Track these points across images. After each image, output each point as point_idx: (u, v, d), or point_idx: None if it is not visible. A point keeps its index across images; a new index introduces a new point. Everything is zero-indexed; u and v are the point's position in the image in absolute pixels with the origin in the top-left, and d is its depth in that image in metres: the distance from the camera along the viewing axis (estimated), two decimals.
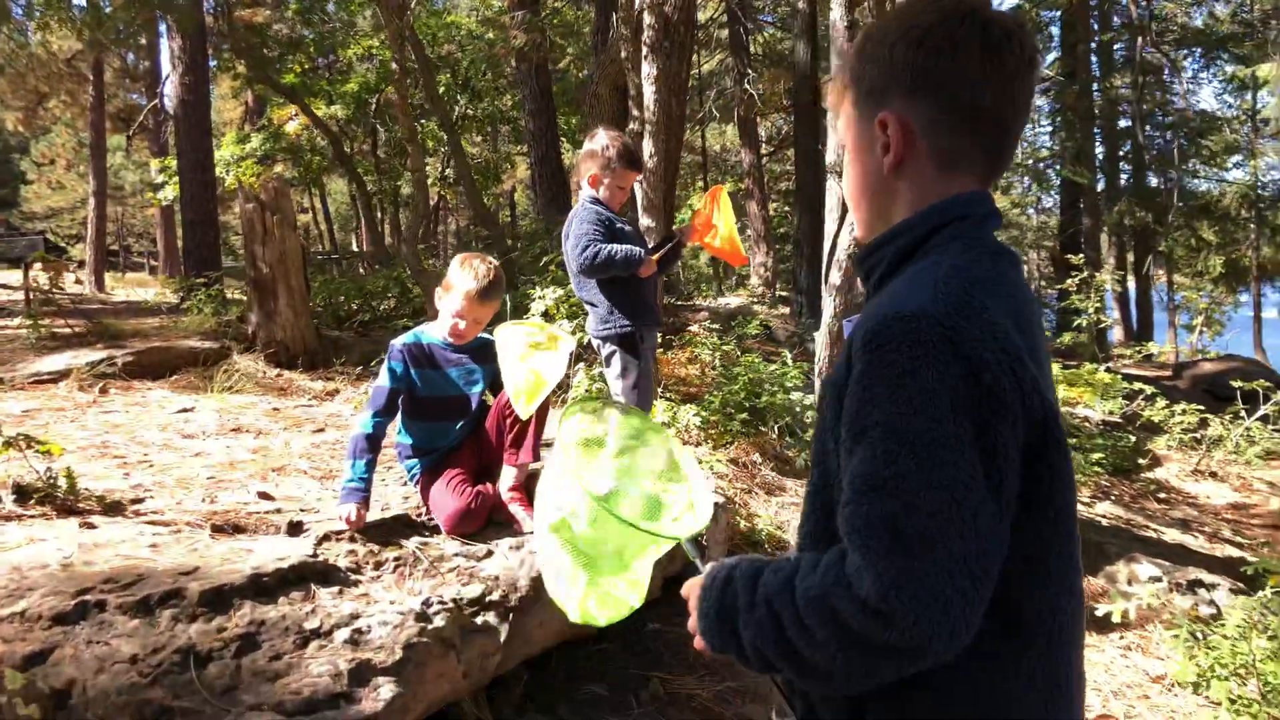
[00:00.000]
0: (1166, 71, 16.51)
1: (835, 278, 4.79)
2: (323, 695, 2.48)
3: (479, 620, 3.12)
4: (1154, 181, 17.78)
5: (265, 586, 2.75)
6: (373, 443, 3.37)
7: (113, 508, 3.32)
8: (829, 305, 4.81)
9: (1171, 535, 6.17)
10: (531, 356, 3.39)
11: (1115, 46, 17.06)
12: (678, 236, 4.14)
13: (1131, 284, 17.70)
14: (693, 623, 1.26)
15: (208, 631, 2.53)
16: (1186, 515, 6.98)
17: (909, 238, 1.22)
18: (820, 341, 4.88)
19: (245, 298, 9.10)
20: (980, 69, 1.19)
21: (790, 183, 26.42)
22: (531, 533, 3.48)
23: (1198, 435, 8.59)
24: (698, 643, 1.25)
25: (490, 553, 3.36)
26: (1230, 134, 16.02)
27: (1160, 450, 8.70)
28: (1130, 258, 19.19)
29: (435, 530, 3.45)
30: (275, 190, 7.73)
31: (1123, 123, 18.91)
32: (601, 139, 4.05)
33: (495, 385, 3.73)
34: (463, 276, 3.52)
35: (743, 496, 5.18)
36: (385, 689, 2.60)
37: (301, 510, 3.54)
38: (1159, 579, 4.66)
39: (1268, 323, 22.76)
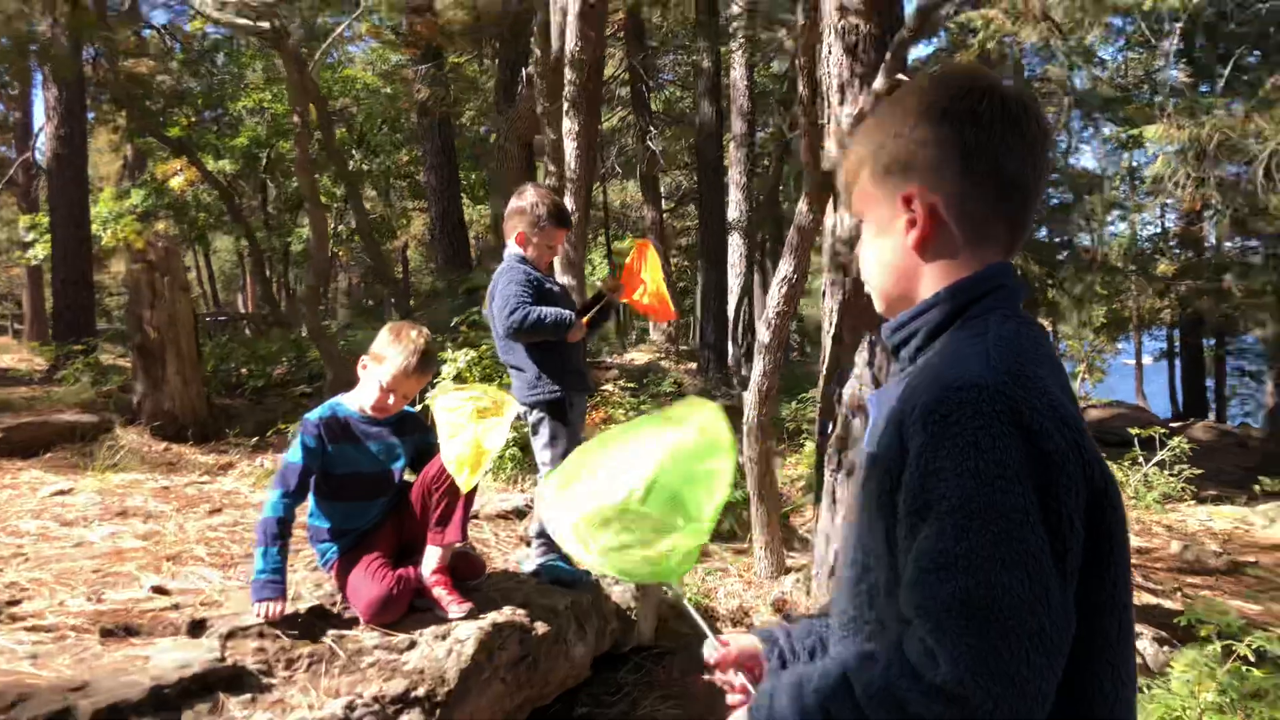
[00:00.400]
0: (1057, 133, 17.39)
1: (764, 336, 4.70)
2: None
3: (370, 714, 2.84)
4: (1043, 235, 18.66)
5: (167, 700, 2.46)
6: (284, 527, 3.09)
7: None
8: (759, 364, 4.71)
9: None
10: (474, 424, 3.16)
11: None
12: (607, 296, 3.98)
13: None
14: None
15: None
16: None
17: (943, 311, 1.20)
18: (750, 400, 4.76)
19: (129, 365, 8.54)
20: (1004, 141, 1.19)
21: (690, 238, 26.72)
22: (455, 620, 3.23)
23: None
24: None
25: (413, 644, 3.11)
26: (1111, 191, 16.86)
27: None
28: None
29: (353, 621, 3.18)
30: (165, 250, 7.32)
31: None
32: (530, 196, 3.88)
33: (418, 459, 3.49)
34: (396, 349, 3.28)
35: None
36: None
37: (202, 604, 3.23)
38: None
39: (1146, 369, 23.91)
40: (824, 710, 1.07)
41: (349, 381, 8.14)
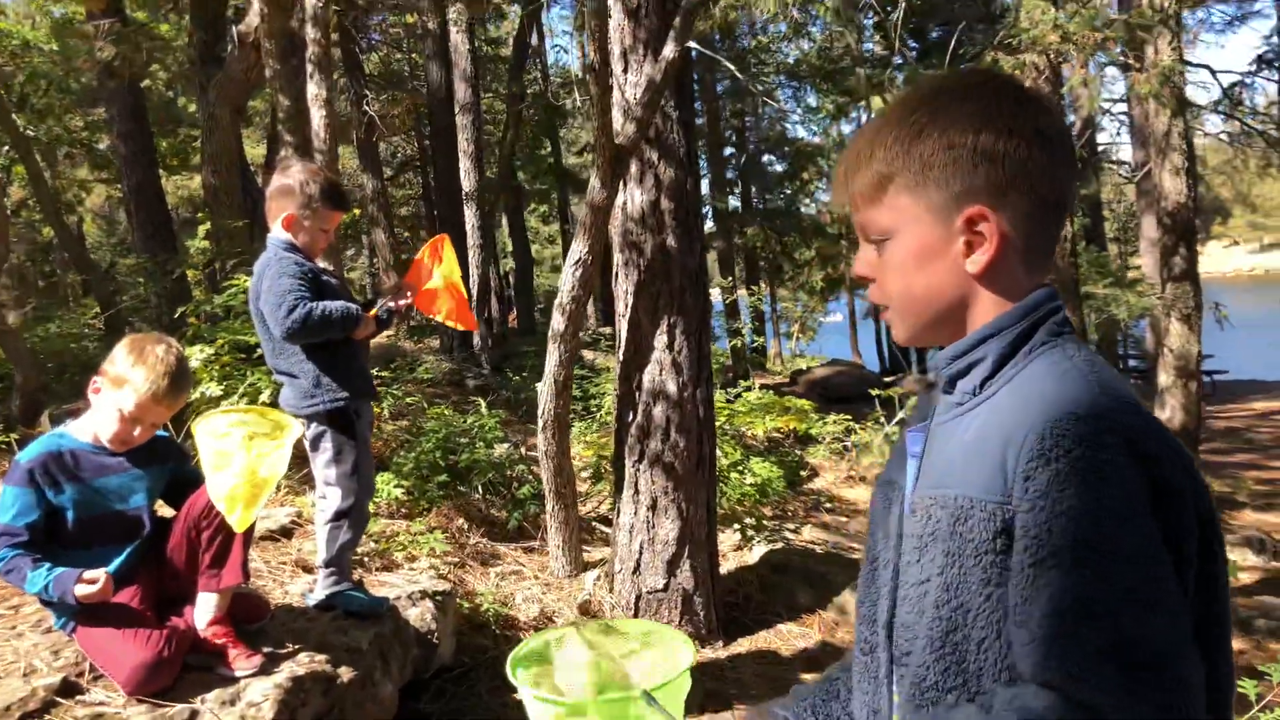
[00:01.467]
0: (766, 103, 18.16)
1: (559, 323, 4.37)
2: None
3: None
4: (749, 204, 19.63)
5: None
6: (24, 557, 2.57)
7: None
8: (554, 353, 4.38)
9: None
10: (245, 452, 2.64)
11: (719, 77, 18.34)
12: (392, 295, 3.49)
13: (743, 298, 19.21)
14: None
15: None
16: (863, 526, 7.38)
17: (1009, 337, 1.11)
18: (545, 392, 4.43)
19: None
20: (1063, 162, 1.12)
21: (411, 207, 25.66)
22: (244, 678, 2.72)
23: (846, 444, 9.22)
24: None
25: (194, 714, 2.57)
26: (824, 161, 17.89)
27: (816, 461, 9.24)
28: (742, 275, 20.87)
29: (111, 693, 2.59)
30: None
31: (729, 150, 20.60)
32: (298, 173, 3.31)
33: (175, 492, 2.93)
34: (139, 372, 2.70)
35: (456, 572, 4.59)
36: None
37: None
38: None
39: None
40: None
41: (42, 386, 7.00)
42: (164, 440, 3.01)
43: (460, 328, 3.60)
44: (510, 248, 21.02)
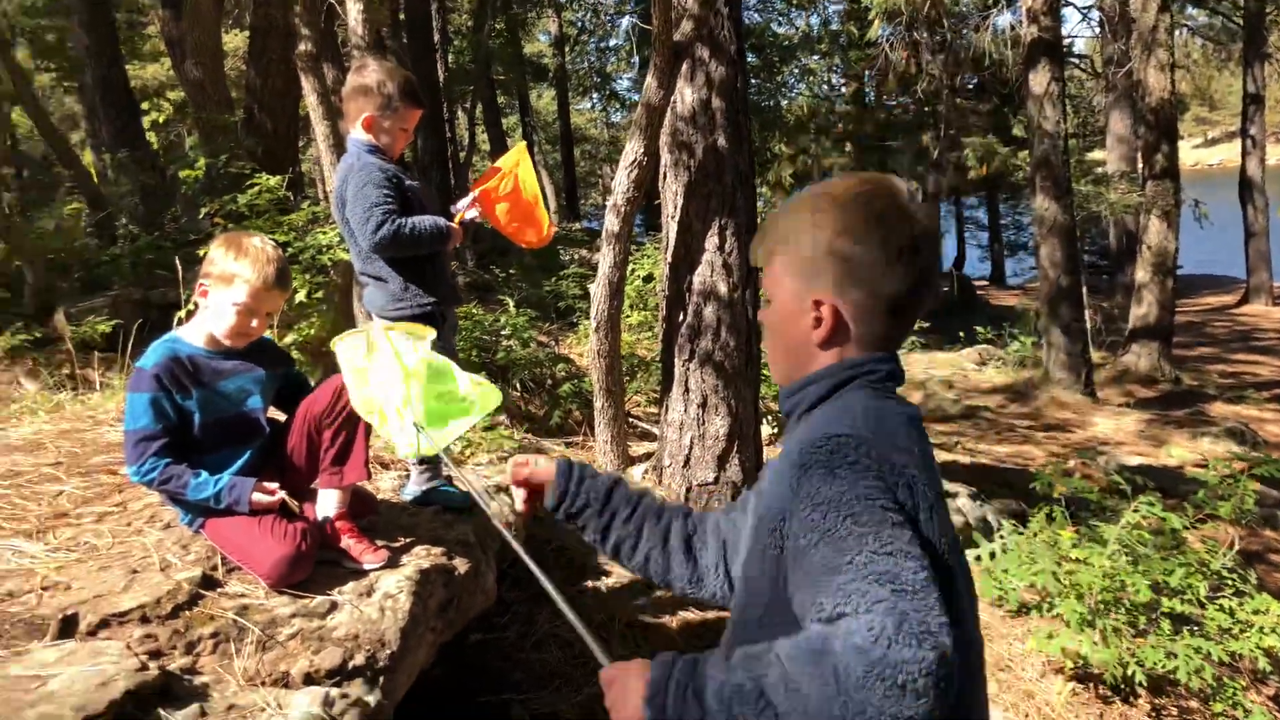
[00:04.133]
0: None
1: (613, 223, 4.41)
2: None
3: (351, 696, 2.47)
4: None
5: None
6: (176, 467, 2.67)
7: None
8: (608, 255, 4.43)
9: None
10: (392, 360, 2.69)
11: None
12: (470, 203, 3.48)
13: None
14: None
15: None
16: None
17: (825, 385, 1.43)
18: (598, 294, 4.50)
19: None
20: (907, 270, 1.38)
21: None
22: (370, 569, 2.84)
23: None
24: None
25: (334, 605, 2.69)
26: (802, 55, 17.73)
27: None
28: None
29: (250, 586, 2.69)
30: None
31: None
32: (374, 72, 3.26)
33: (287, 395, 2.99)
34: (244, 263, 2.73)
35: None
36: None
37: (43, 589, 2.58)
38: None
39: None
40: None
41: (49, 289, 6.88)
42: (271, 344, 3.06)
43: (520, 244, 3.60)
44: (485, 141, 20.61)
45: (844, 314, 1.40)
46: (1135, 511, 3.64)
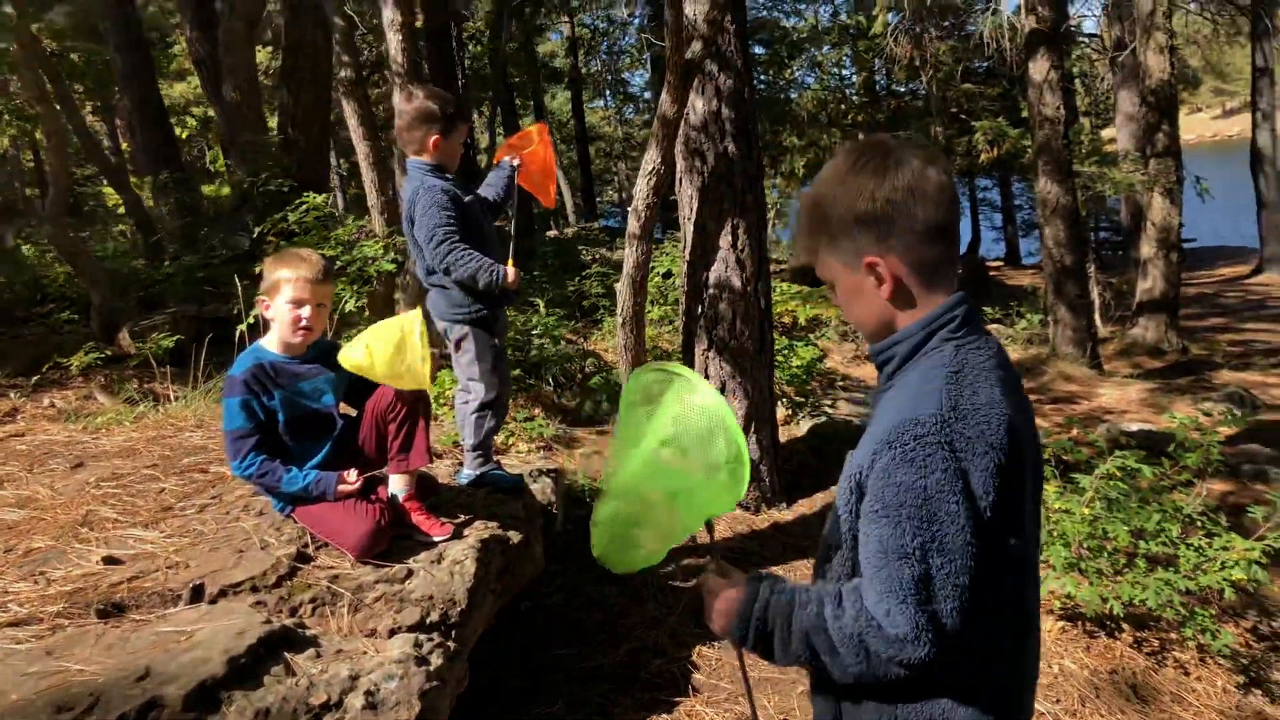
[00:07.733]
0: None
1: (634, 226, 4.84)
2: None
3: (435, 639, 2.92)
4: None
5: (246, 670, 2.38)
6: (271, 463, 3.11)
7: None
8: (631, 255, 4.86)
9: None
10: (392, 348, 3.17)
11: None
12: (509, 172, 3.93)
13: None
14: (722, 625, 1.65)
15: None
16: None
17: (910, 343, 1.55)
18: (623, 291, 4.93)
19: None
20: (925, 198, 1.50)
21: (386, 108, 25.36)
22: (439, 541, 3.28)
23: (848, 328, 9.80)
24: (720, 626, 1.66)
25: (410, 572, 3.13)
26: (813, 50, 18.06)
27: (823, 343, 9.82)
28: None
29: (337, 559, 3.14)
30: None
31: None
32: (432, 98, 3.65)
33: (351, 394, 3.42)
34: (290, 267, 3.14)
35: (546, 455, 5.17)
36: None
37: (168, 568, 3.04)
38: None
39: None
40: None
41: (113, 309, 7.35)
42: (337, 347, 3.50)
43: (539, 198, 4.09)
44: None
45: (899, 262, 1.53)
46: (1108, 464, 4.05)
